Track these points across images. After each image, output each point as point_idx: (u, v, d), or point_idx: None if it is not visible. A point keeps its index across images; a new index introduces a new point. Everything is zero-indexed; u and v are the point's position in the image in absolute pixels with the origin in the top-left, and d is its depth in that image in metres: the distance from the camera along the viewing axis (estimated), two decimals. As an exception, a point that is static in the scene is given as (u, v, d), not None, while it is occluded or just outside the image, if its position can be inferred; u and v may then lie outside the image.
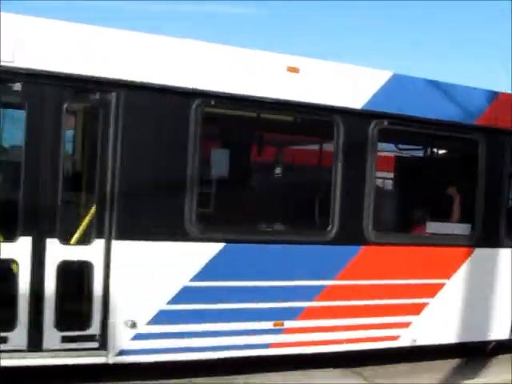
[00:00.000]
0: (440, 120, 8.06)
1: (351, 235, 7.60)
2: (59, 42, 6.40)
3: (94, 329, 6.59)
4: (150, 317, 6.75)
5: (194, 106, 6.84)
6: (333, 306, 7.55)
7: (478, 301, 8.41)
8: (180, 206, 6.82)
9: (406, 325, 7.98)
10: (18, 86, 6.34)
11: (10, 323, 6.28)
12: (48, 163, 6.38)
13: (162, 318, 6.78)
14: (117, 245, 6.56)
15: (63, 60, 6.36)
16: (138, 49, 6.73)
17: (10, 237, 6.30)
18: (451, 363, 8.68)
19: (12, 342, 6.29)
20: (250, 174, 9.09)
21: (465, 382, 7.86)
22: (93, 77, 6.48)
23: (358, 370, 8.08)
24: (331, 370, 7.93)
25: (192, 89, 6.84)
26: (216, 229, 7.15)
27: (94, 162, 6.73)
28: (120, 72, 6.56)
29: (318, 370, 7.83)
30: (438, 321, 8.16)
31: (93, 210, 6.63)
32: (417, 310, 8.03)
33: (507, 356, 9.02)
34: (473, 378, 8.05)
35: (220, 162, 7.94)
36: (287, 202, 8.34)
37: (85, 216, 6.72)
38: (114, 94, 6.56)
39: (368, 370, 8.11)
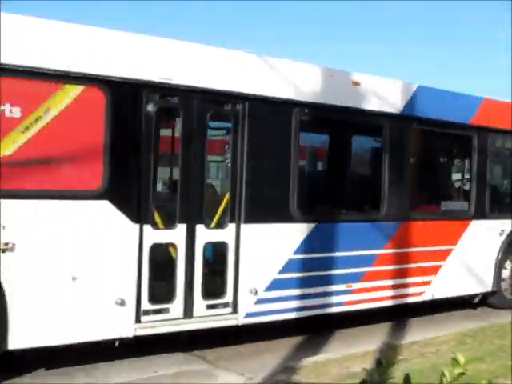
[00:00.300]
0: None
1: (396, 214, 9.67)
2: (206, 64, 7.87)
3: (228, 297, 8.11)
4: (266, 285, 8.36)
5: (293, 114, 8.54)
6: (383, 270, 9.55)
7: (472, 262, 10.80)
8: (286, 195, 8.49)
9: (428, 283, 10.15)
10: (175, 99, 7.75)
11: (170, 297, 7.66)
12: (197, 164, 7.83)
13: (274, 285, 8.42)
14: (244, 228, 8.11)
15: (208, 78, 7.83)
16: (260, 69, 8.32)
17: (170, 225, 7.67)
18: (294, 340, 8.95)
19: (171, 312, 7.67)
20: (330, 169, 10.89)
21: (308, 359, 7.76)
22: (226, 91, 7.99)
23: (202, 353, 8.15)
24: (176, 354, 8.03)
25: (292, 100, 8.54)
26: (310, 213, 8.91)
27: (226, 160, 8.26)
28: (245, 87, 8.12)
29: (160, 356, 7.90)
30: (449, 279, 10.41)
31: (226, 200, 8.13)
32: (435, 270, 10.23)
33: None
34: (316, 355, 8.08)
35: (312, 160, 9.69)
36: (353, 191, 10.21)
37: (219, 206, 8.19)
38: (241, 105, 8.10)
39: (211, 353, 8.16)
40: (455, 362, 2.72)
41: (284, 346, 8.61)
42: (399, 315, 10.23)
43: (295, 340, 8.97)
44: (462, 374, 2.72)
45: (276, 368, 7.47)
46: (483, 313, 11.20)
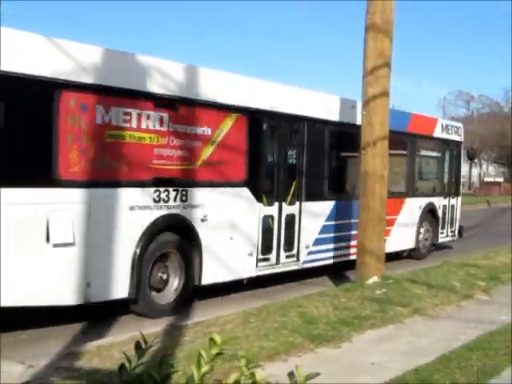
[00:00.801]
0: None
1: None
2: (292, 98, 12.64)
3: (294, 250, 12.43)
4: (313, 241, 12.82)
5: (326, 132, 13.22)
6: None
7: (405, 227, 16.01)
8: (323, 182, 13.11)
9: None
10: (276, 122, 12.10)
11: (270, 250, 11.84)
12: (283, 166, 12.23)
13: (317, 242, 12.90)
14: (304, 204, 12.50)
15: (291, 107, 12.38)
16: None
17: (270, 203, 11.85)
18: (80, 326, 8.88)
19: (271, 260, 11.87)
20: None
21: (93, 343, 7.61)
22: (298, 115, 12.40)
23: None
24: None
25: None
26: (331, 193, 13.51)
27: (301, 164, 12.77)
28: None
29: None
30: (393, 238, 15.20)
31: (294, 187, 12.42)
32: (388, 232, 14.86)
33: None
34: (101, 338, 8.00)
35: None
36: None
37: (292, 190, 12.45)
38: (302, 124, 12.56)
39: None
40: (212, 342, 2.66)
41: (70, 331, 8.59)
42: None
43: (81, 326, 8.96)
44: (220, 353, 2.69)
45: (59, 354, 7.31)
46: (271, 292, 11.79)
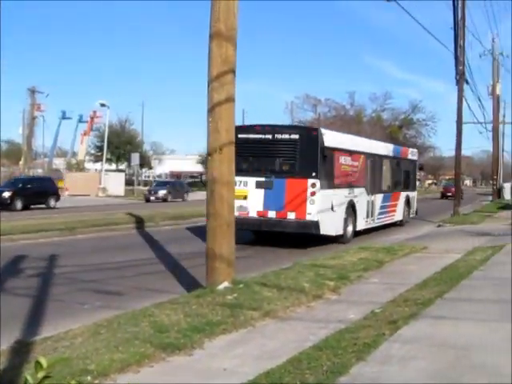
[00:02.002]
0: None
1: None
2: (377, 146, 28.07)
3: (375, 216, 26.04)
4: (378, 213, 25.98)
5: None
6: (385, 211, 27.19)
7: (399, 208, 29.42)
8: (381, 183, 26.79)
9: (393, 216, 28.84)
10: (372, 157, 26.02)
11: (355, 224, 23.13)
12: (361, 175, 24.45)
13: (379, 213, 26.16)
14: (374, 195, 25.54)
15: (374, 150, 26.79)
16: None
17: (370, 194, 24.78)
18: None
19: (368, 221, 24.97)
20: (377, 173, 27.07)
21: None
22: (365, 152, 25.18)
23: None
24: None
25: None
26: (377, 189, 26.01)
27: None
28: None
29: None
30: (396, 215, 28.98)
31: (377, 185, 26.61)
32: (394, 211, 28.82)
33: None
34: None
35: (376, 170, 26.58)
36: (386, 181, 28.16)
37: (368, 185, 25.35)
38: (380, 157, 26.65)
39: None
40: (39, 365, 2.54)
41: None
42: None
43: None
44: (47, 377, 2.56)
45: None
46: (123, 301, 11.54)
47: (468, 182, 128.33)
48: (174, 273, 14.54)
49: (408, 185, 30.29)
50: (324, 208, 19.75)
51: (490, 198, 59.47)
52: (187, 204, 48.08)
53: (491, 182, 65.04)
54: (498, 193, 59.11)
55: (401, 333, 8.14)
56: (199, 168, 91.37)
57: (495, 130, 56.80)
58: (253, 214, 20.01)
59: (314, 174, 19.29)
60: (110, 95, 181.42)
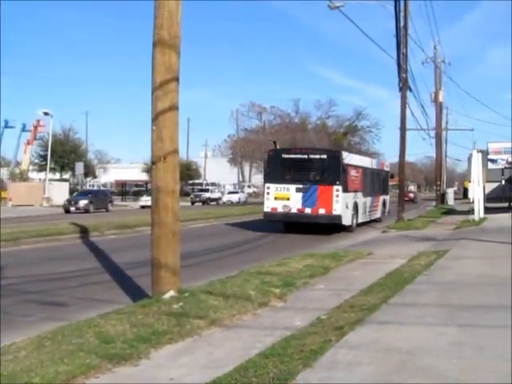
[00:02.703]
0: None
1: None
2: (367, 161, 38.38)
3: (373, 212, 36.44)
4: (368, 210, 34.90)
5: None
6: (372, 209, 35.86)
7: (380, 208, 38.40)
8: (374, 187, 36.19)
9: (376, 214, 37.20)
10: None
11: (371, 212, 35.68)
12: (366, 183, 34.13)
13: (368, 213, 35.09)
14: (370, 197, 34.78)
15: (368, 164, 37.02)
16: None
17: (365, 196, 33.74)
18: None
19: (353, 225, 31.21)
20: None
21: None
22: (363, 166, 34.95)
23: None
24: None
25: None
26: (368, 193, 34.46)
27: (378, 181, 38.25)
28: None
29: None
30: (377, 213, 37.24)
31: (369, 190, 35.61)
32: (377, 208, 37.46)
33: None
34: None
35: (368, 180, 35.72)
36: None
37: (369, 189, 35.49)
38: (369, 170, 35.53)
39: None
40: None
41: None
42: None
43: None
44: None
45: None
46: (68, 312, 11.43)
47: (412, 188, 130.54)
48: (120, 282, 14.38)
49: (384, 190, 39.56)
50: (343, 206, 28.63)
51: (434, 203, 60.68)
52: (111, 214, 47.21)
53: (435, 187, 66.40)
54: (442, 198, 60.48)
55: (347, 338, 8.20)
56: (144, 176, 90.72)
57: (438, 137, 58.05)
58: (294, 210, 29.06)
59: (337, 183, 28.31)
60: (54, 104, 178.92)
